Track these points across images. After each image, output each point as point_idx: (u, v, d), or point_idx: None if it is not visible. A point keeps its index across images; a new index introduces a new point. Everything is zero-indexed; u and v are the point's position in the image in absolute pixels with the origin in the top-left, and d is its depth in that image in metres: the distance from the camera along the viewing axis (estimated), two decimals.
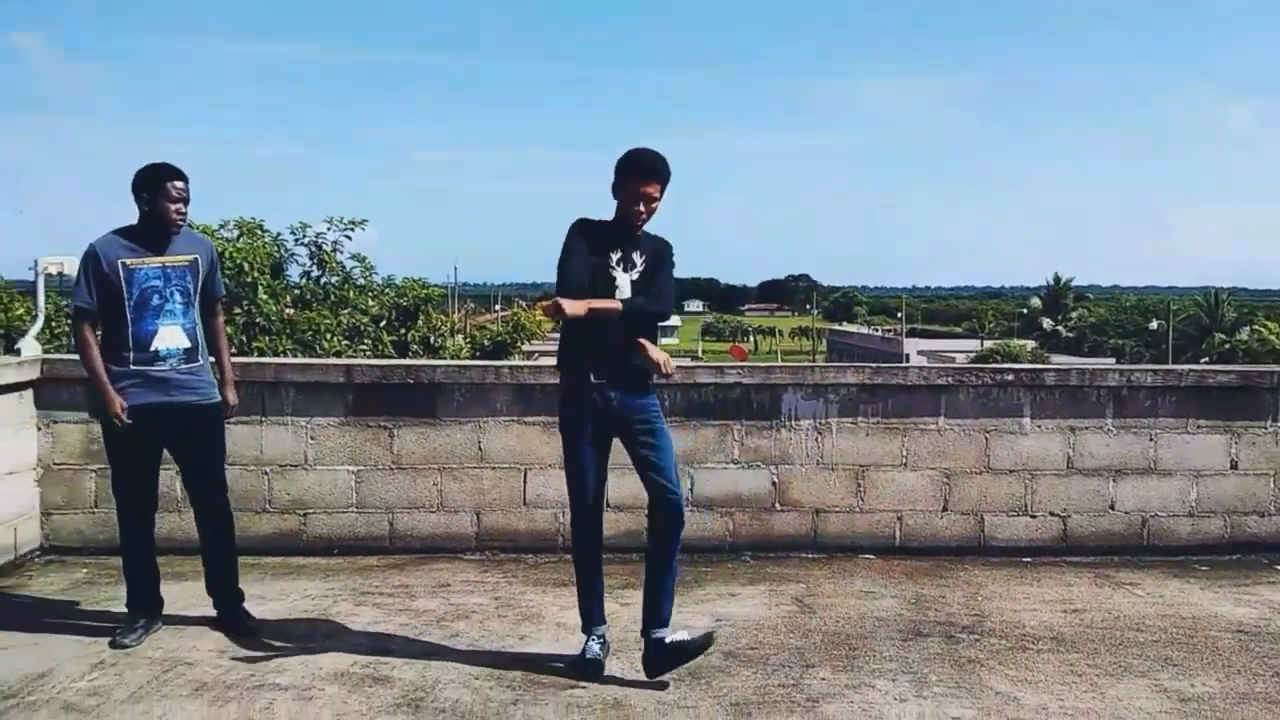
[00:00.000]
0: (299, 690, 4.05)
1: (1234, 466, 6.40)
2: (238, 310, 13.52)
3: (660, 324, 4.40)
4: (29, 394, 5.96)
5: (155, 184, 4.53)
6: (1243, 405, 6.41)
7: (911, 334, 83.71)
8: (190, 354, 4.62)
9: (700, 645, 4.19)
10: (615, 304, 4.12)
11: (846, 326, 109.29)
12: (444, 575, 5.70)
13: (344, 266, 16.47)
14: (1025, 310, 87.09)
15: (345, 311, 15.86)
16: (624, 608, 4.99)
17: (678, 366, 6.47)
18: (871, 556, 6.19)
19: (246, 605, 4.85)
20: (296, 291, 15.71)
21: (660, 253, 4.27)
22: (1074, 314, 80.00)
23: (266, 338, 13.99)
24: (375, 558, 6.02)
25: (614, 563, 5.72)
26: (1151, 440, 6.37)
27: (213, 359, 4.80)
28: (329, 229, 16.08)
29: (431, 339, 17.98)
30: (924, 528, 6.31)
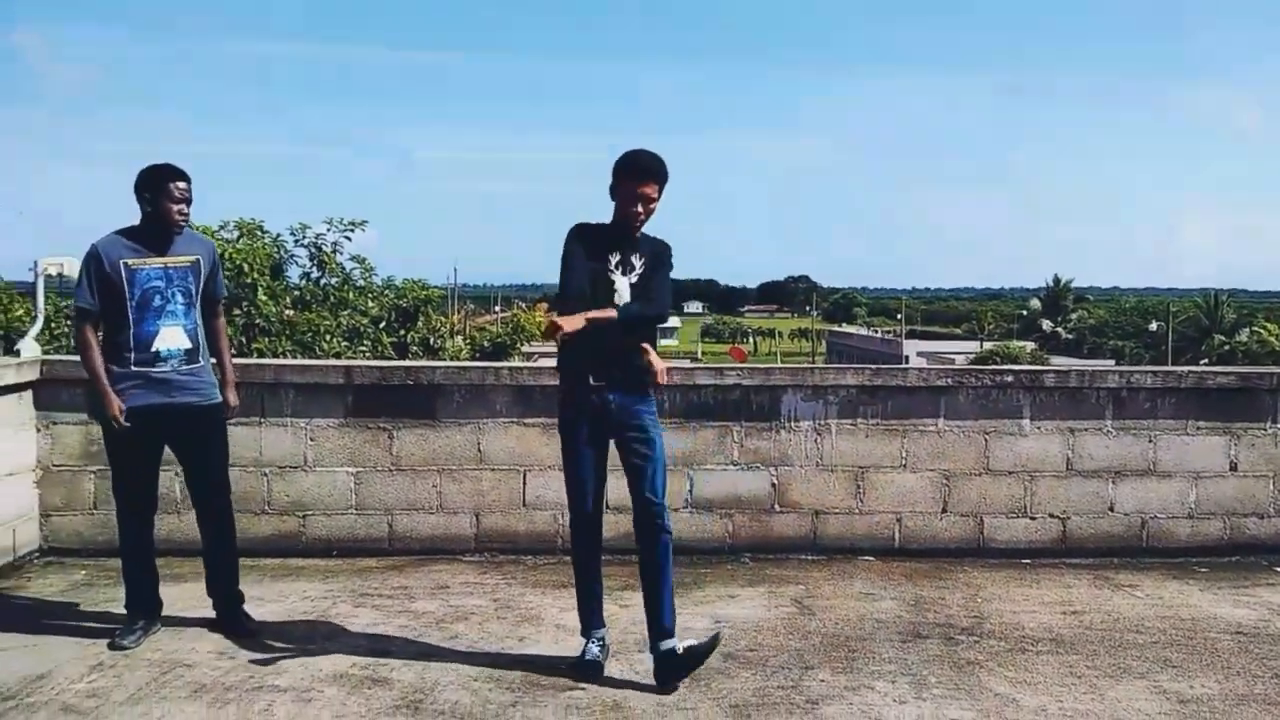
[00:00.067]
0: (298, 692, 4.05)
1: (1233, 468, 6.40)
2: (237, 311, 13.51)
3: (659, 325, 4.41)
4: (28, 395, 5.96)
5: (158, 184, 4.53)
6: (1242, 407, 6.41)
7: (911, 335, 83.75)
8: (191, 355, 4.62)
9: (709, 647, 4.19)
10: (610, 313, 4.11)
11: (846, 328, 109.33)
12: (443, 577, 5.69)
13: (344, 268, 16.47)
14: (1025, 312, 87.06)
15: (345, 313, 15.86)
16: (623, 609, 4.98)
17: (677, 368, 6.48)
18: (871, 558, 6.19)
19: (245, 607, 4.85)
20: (296, 293, 15.71)
21: (659, 255, 4.28)
22: (1073, 315, 79.98)
23: (266, 339, 13.99)
24: (374, 559, 6.01)
25: (614, 564, 5.72)
26: (1151, 442, 6.37)
27: (214, 360, 4.80)
28: (328, 230, 16.08)
29: (431, 340, 17.98)
30: (923, 529, 6.31)
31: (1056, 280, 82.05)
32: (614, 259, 4.20)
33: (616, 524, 6.05)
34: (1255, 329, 58.93)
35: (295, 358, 12.85)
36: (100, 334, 4.62)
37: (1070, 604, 5.37)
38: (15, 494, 5.86)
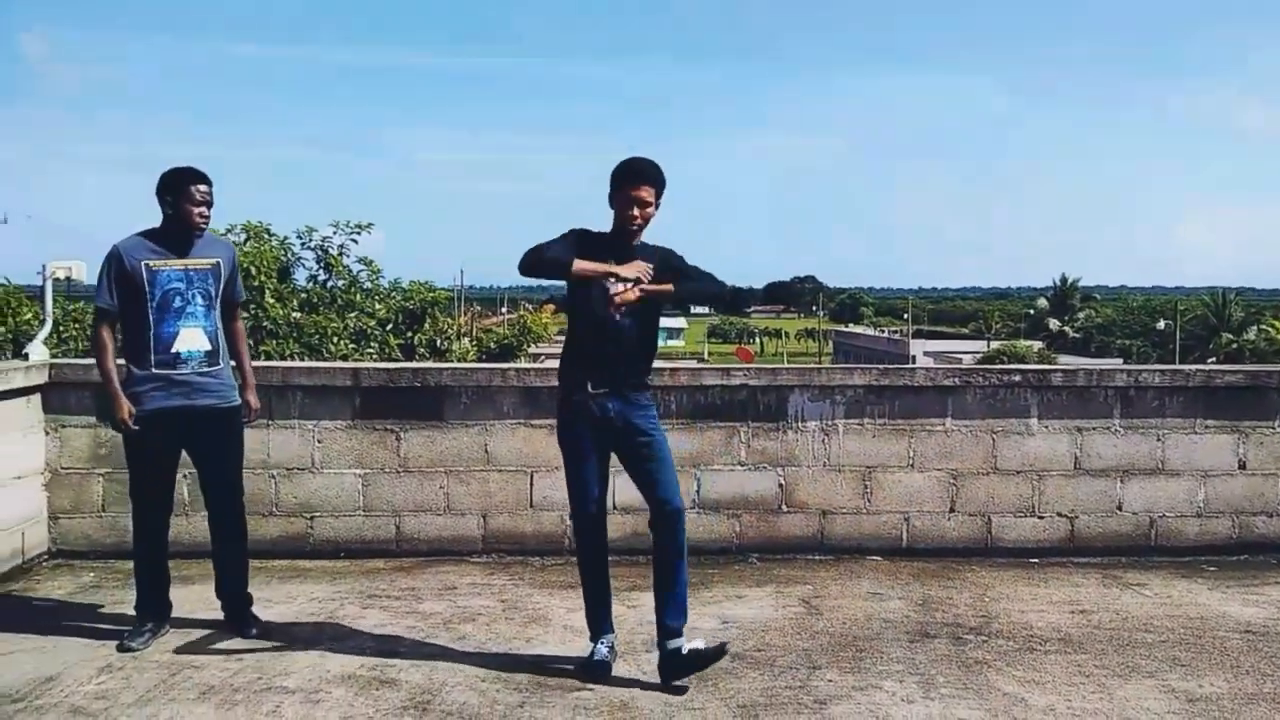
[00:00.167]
0: (306, 693, 4.06)
1: (1242, 466, 6.38)
2: (244, 314, 13.54)
3: (720, 301, 4.46)
4: (37, 398, 5.98)
5: (179, 187, 4.56)
6: (1250, 405, 6.40)
7: (918, 335, 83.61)
8: (211, 356, 4.64)
9: (714, 655, 4.18)
10: (668, 286, 4.18)
11: (853, 328, 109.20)
12: (451, 578, 5.70)
13: (350, 270, 16.49)
14: (1032, 311, 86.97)
15: (352, 315, 15.88)
16: (631, 610, 4.98)
17: (683, 369, 6.48)
18: (878, 558, 6.18)
19: (253, 608, 4.86)
20: (303, 295, 15.73)
21: (669, 260, 4.27)
22: (1081, 314, 79.89)
23: (273, 341, 14.01)
24: (382, 560, 6.02)
25: (621, 565, 5.73)
26: (1159, 440, 6.36)
27: (233, 362, 4.82)
28: (335, 233, 16.11)
29: (438, 342, 17.99)
30: (931, 529, 6.30)
31: (1064, 279, 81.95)
32: (611, 281, 4.19)
33: (623, 524, 6.07)
34: (1263, 327, 58.77)
35: (302, 360, 12.87)
36: (119, 336, 4.64)
37: (1078, 603, 5.36)
38: (24, 497, 5.87)
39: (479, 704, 3.96)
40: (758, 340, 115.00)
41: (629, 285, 4.12)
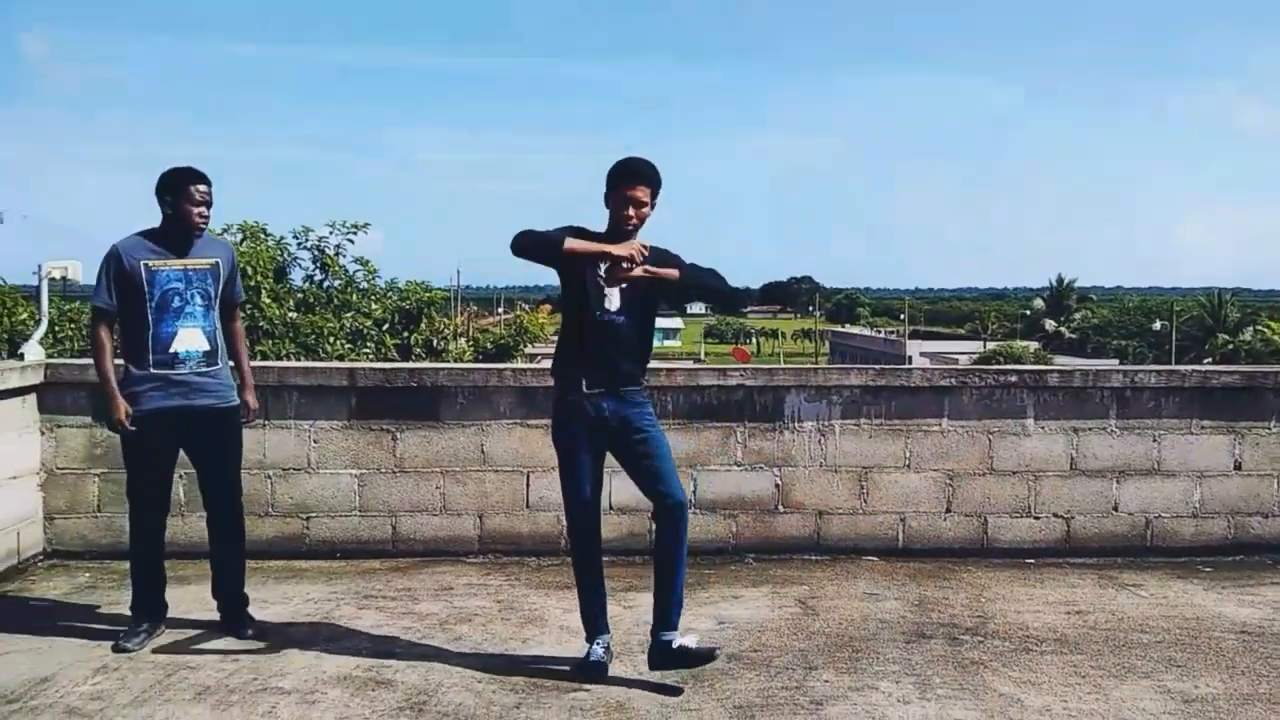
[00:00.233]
0: (302, 694, 4.06)
1: (1238, 467, 6.39)
2: (240, 314, 13.54)
3: (723, 295, 4.46)
4: (32, 398, 5.97)
5: (178, 187, 4.56)
6: (1246, 406, 6.41)
7: (914, 335, 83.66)
8: (210, 357, 4.63)
9: (703, 657, 4.19)
10: (673, 272, 4.18)
11: (849, 328, 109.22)
12: (447, 578, 5.70)
13: (347, 270, 16.50)
14: (1028, 311, 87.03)
15: (348, 315, 15.88)
16: (627, 610, 4.98)
17: (680, 369, 6.48)
18: (874, 558, 6.19)
19: (249, 609, 4.86)
20: (299, 295, 15.73)
21: (666, 260, 4.27)
22: (1077, 315, 79.95)
23: (270, 341, 14.01)
24: (378, 561, 6.02)
25: (617, 565, 5.74)
26: (1155, 441, 6.36)
27: (232, 363, 4.82)
28: (331, 233, 16.12)
29: (434, 342, 17.99)
30: (927, 529, 6.30)
31: (1060, 280, 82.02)
32: (604, 265, 4.19)
33: (619, 525, 6.07)
34: (1259, 328, 58.87)
35: (299, 360, 12.86)
36: (117, 335, 4.64)
37: (1074, 604, 5.36)
38: (19, 497, 5.86)
39: (475, 705, 3.96)
40: (754, 340, 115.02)
41: (627, 266, 4.11)
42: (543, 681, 4.19)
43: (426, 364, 8.93)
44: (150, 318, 4.52)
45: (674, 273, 4.18)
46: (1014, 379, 6.36)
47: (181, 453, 4.73)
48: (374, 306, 16.63)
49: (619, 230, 4.20)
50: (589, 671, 4.22)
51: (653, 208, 4.25)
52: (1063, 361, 48.41)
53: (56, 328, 13.26)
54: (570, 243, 4.10)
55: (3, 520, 5.71)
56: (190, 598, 5.08)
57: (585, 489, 4.28)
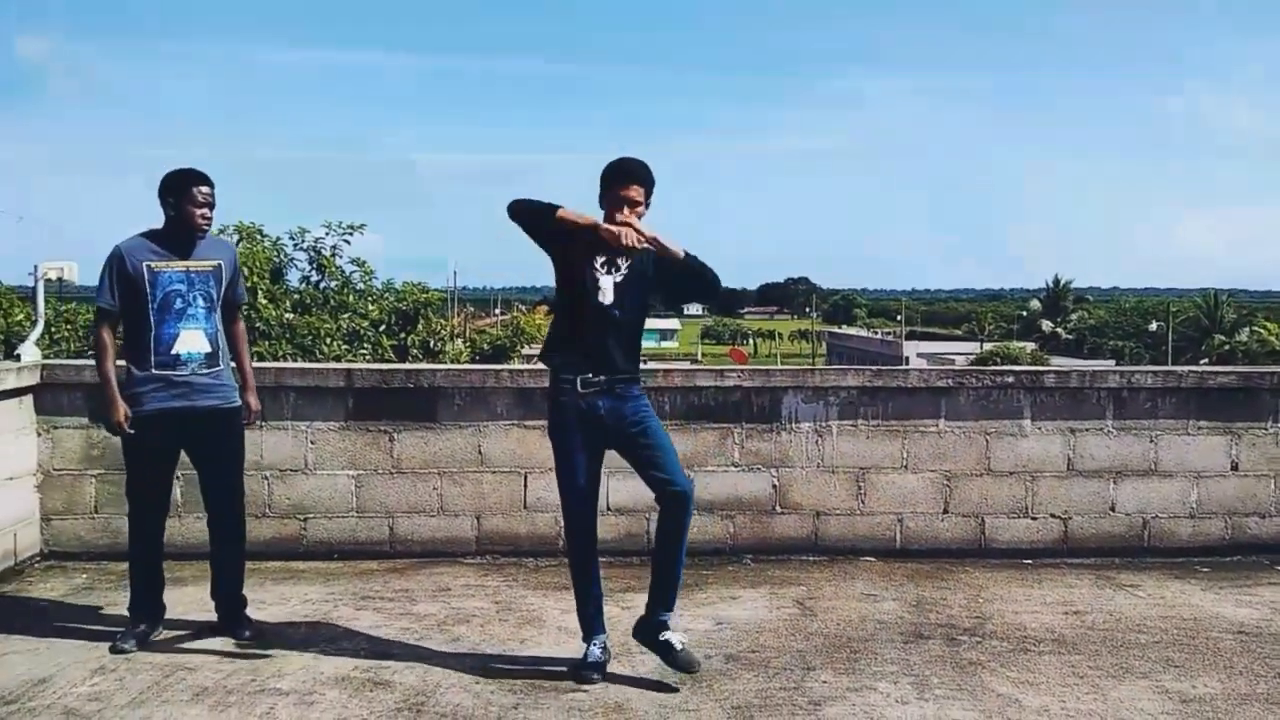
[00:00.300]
0: (300, 695, 4.05)
1: (1234, 468, 6.40)
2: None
3: (715, 288, 4.36)
4: (29, 399, 5.96)
5: (181, 189, 4.56)
6: (1243, 406, 6.41)
7: (911, 336, 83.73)
8: (211, 358, 4.63)
9: (681, 664, 4.21)
10: (680, 249, 4.18)
11: (846, 329, 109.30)
12: (444, 579, 5.69)
13: (343, 271, 16.50)
14: (1025, 312, 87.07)
15: (345, 316, 15.88)
16: (625, 611, 4.97)
17: (677, 370, 6.48)
18: (872, 559, 6.19)
19: (247, 610, 4.85)
20: (296, 296, 15.73)
21: (661, 260, 4.27)
22: (1073, 316, 79.99)
23: (266, 342, 14.01)
24: (375, 562, 6.01)
25: (615, 566, 5.73)
26: (1152, 442, 6.37)
27: (234, 364, 4.81)
28: (327, 234, 16.13)
29: (431, 343, 18.00)
30: (925, 530, 6.30)
31: (1056, 281, 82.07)
32: (599, 259, 4.20)
33: (616, 525, 6.07)
34: (1255, 329, 58.98)
35: (295, 361, 12.85)
36: (120, 336, 4.64)
37: (1072, 604, 5.36)
38: (16, 498, 5.86)
39: (473, 706, 3.96)
40: (751, 341, 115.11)
41: (627, 243, 4.12)
42: (541, 682, 4.19)
43: (423, 365, 8.94)
44: (152, 319, 4.52)
45: (680, 249, 4.20)
46: (1011, 380, 6.36)
47: (182, 454, 4.72)
48: (371, 308, 16.64)
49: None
50: (586, 672, 4.22)
51: (648, 206, 4.25)
52: (1059, 362, 48.47)
53: (53, 329, 13.26)
54: (564, 210, 4.14)
55: (0, 522, 5.70)
56: (188, 599, 5.08)
57: (581, 488, 4.28)
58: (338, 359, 14.26)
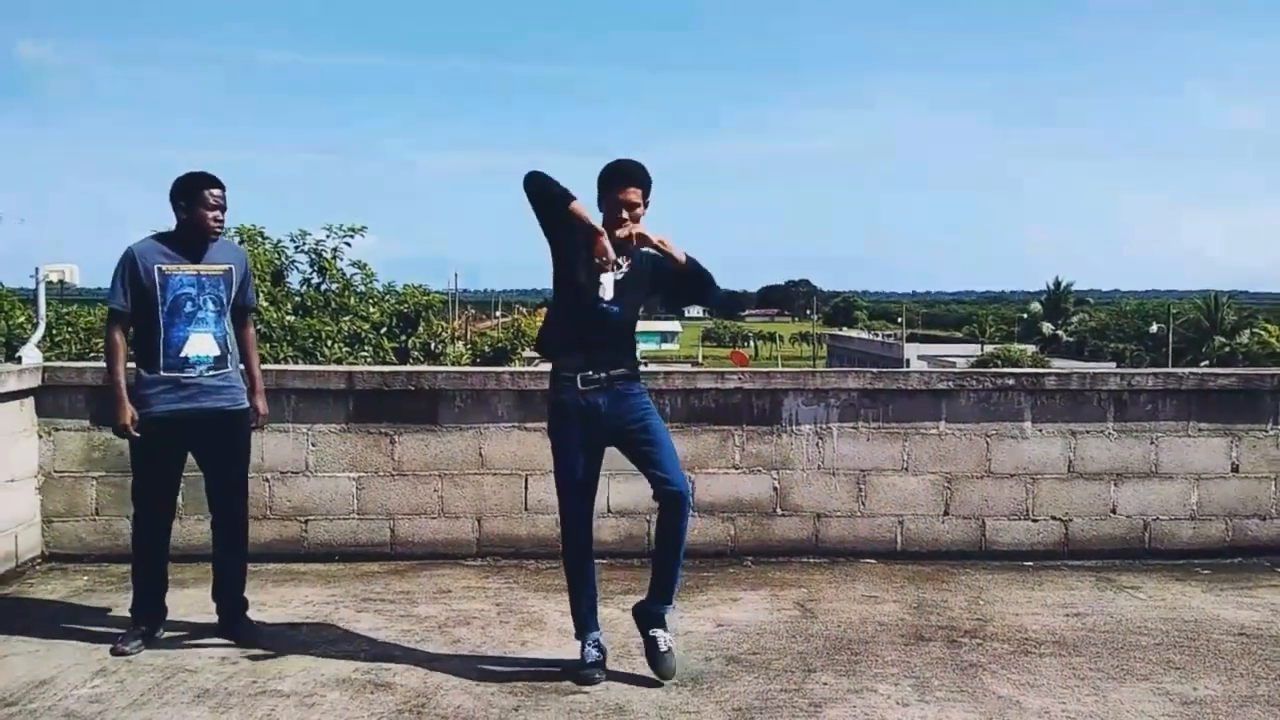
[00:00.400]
0: (301, 697, 4.05)
1: (1235, 470, 6.40)
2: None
3: (713, 288, 4.37)
4: (30, 401, 5.96)
5: (193, 192, 4.57)
6: (1243, 408, 6.41)
7: (912, 339, 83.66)
8: (220, 361, 4.64)
9: (658, 665, 4.22)
10: (682, 253, 4.21)
11: (847, 331, 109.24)
12: (445, 581, 5.69)
13: (344, 273, 16.48)
14: (1025, 315, 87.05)
15: (346, 318, 15.87)
16: (625, 613, 4.97)
17: (678, 372, 6.49)
18: (873, 561, 6.19)
19: (248, 612, 4.85)
20: (297, 299, 15.72)
21: (661, 263, 4.28)
22: (1074, 318, 79.97)
23: (267, 345, 14.00)
24: (376, 564, 6.01)
25: (615, 567, 5.75)
26: (1152, 444, 6.37)
27: (242, 367, 4.82)
28: (328, 236, 16.10)
29: (432, 345, 17.98)
30: (925, 532, 6.30)
31: (1057, 283, 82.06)
32: (602, 258, 4.21)
33: (616, 527, 6.08)
34: (1256, 330, 58.98)
35: (296, 363, 12.85)
36: (129, 338, 4.65)
37: (1073, 606, 5.36)
38: (17, 500, 5.86)
39: (474, 708, 3.96)
40: (752, 344, 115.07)
41: (623, 237, 4.15)
42: (542, 684, 4.19)
43: (424, 367, 8.95)
44: (162, 321, 4.53)
45: (681, 255, 4.22)
46: (1011, 382, 6.37)
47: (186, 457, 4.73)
48: (372, 310, 16.62)
49: (612, 232, 4.21)
50: (586, 672, 4.22)
51: (646, 207, 4.27)
52: (1060, 365, 48.44)
53: (54, 331, 13.26)
54: (577, 205, 4.14)
55: (1, 523, 5.70)
56: (189, 601, 5.08)
57: (579, 486, 4.29)
58: (339, 361, 14.26)
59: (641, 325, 4.70)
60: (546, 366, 4.50)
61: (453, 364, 17.48)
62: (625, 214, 4.19)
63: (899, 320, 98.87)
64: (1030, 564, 6.19)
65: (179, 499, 5.68)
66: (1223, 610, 5.31)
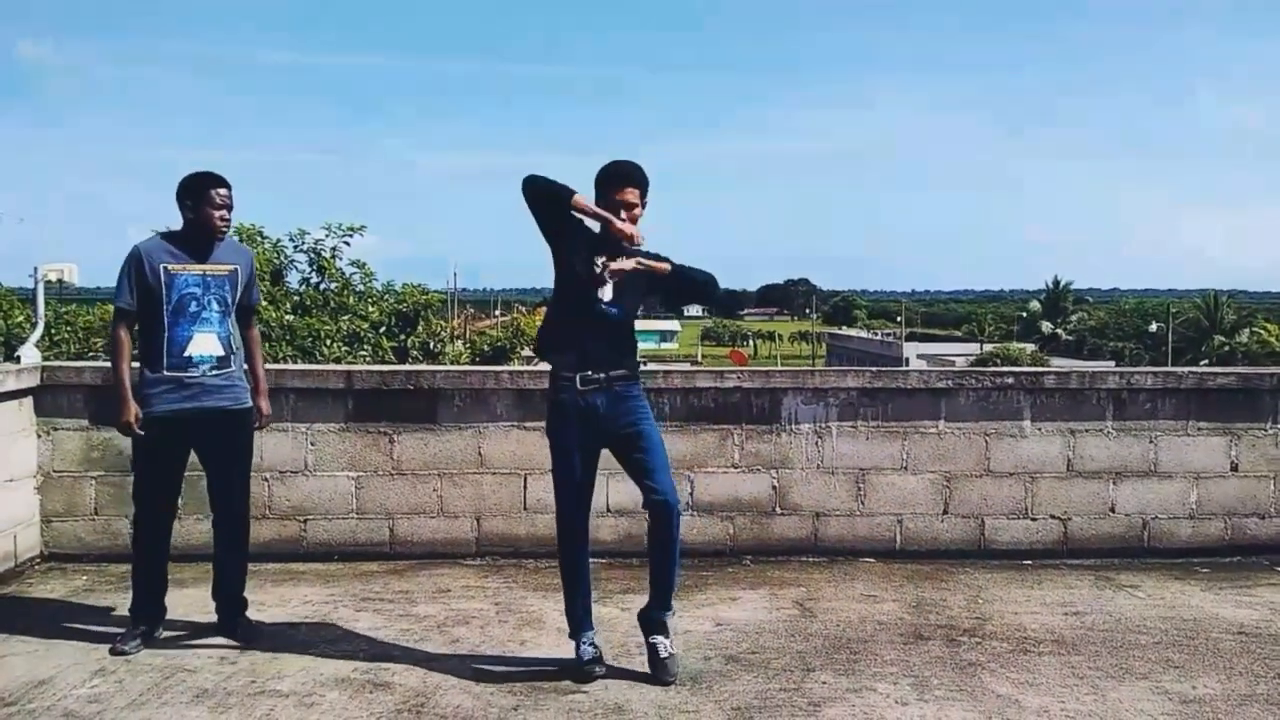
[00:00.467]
0: (300, 696, 4.05)
1: (1234, 468, 6.40)
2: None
3: (712, 290, 4.40)
4: (29, 401, 5.96)
5: (199, 192, 4.58)
6: (1243, 407, 6.41)
7: (911, 338, 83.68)
8: (223, 361, 4.64)
9: (657, 670, 4.23)
10: (665, 265, 4.24)
11: (846, 330, 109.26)
12: (444, 581, 5.69)
13: (343, 273, 16.48)
14: (1024, 314, 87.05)
15: (345, 318, 15.87)
16: (624, 612, 4.98)
17: (677, 371, 6.49)
18: (872, 560, 6.19)
19: (247, 611, 4.85)
20: (296, 298, 15.72)
21: (657, 260, 4.30)
22: (1073, 317, 79.97)
23: (266, 344, 14.01)
24: (375, 563, 6.01)
25: (615, 567, 5.75)
26: (1151, 443, 6.37)
27: (246, 367, 4.82)
28: (327, 235, 16.10)
29: (431, 345, 17.98)
30: (924, 531, 6.30)
31: (1056, 282, 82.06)
32: (601, 258, 4.22)
33: (615, 527, 6.08)
34: (1255, 329, 59.01)
35: (295, 363, 12.85)
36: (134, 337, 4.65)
37: (1072, 605, 5.36)
38: (16, 500, 5.85)
39: (473, 707, 3.96)
40: (751, 343, 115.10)
41: (626, 246, 4.17)
42: (541, 684, 4.19)
43: (423, 366, 8.94)
44: (166, 321, 4.53)
45: (666, 266, 4.25)
46: (1010, 381, 6.37)
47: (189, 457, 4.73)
48: (371, 309, 16.62)
49: (611, 234, 4.22)
50: (584, 671, 4.23)
51: (644, 208, 4.27)
52: (1059, 363, 48.45)
53: (53, 330, 13.25)
54: (579, 197, 4.15)
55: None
56: (188, 600, 5.07)
57: (577, 485, 4.30)
58: (338, 360, 14.25)
59: (641, 324, 4.71)
60: (546, 366, 4.50)
61: (452, 363, 17.48)
62: (624, 214, 4.20)
63: (898, 319, 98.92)
64: (1029, 563, 6.19)
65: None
66: (1222, 609, 5.32)
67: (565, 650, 4.50)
